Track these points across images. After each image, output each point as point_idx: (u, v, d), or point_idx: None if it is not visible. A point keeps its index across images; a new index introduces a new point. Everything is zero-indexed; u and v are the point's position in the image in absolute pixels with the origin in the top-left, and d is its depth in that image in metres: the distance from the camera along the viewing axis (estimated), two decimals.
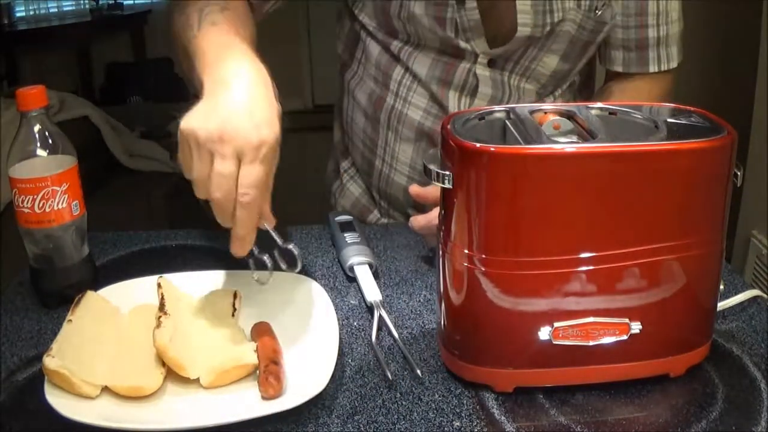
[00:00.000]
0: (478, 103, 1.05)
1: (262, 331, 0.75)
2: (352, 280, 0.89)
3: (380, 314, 0.80)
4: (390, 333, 0.78)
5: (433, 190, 0.89)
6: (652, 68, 1.06)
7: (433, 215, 0.86)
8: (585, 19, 0.99)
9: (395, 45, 1.06)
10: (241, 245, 0.72)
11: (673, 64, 1.07)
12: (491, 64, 1.03)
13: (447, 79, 1.05)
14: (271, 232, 0.75)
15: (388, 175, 1.14)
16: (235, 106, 0.71)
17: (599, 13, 0.99)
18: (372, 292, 0.84)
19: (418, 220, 0.89)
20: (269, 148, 0.70)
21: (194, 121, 0.70)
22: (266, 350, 0.71)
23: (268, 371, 0.67)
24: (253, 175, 0.69)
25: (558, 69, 1.05)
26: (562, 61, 1.04)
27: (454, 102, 1.05)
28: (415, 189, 0.91)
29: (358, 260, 0.89)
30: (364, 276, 0.87)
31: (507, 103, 1.03)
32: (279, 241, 0.76)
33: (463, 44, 1.01)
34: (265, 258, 0.77)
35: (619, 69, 1.07)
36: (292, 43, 5.18)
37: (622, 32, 1.04)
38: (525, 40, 0.99)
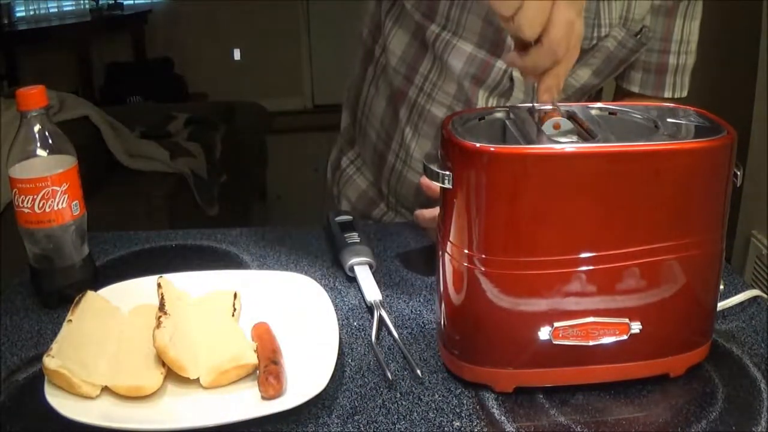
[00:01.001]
0: (509, 104, 1.01)
1: (261, 331, 0.75)
2: (352, 280, 0.89)
3: (380, 314, 0.80)
4: (390, 333, 0.78)
5: None
6: (667, 94, 1.06)
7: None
8: (626, 38, 0.99)
9: (431, 30, 0.99)
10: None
11: (684, 93, 1.07)
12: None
13: (481, 77, 1.00)
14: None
15: (400, 171, 1.11)
16: None
17: (643, 32, 0.99)
18: (372, 292, 0.84)
19: (423, 215, 0.88)
20: None
21: None
22: (266, 350, 0.71)
23: (267, 371, 0.67)
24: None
25: (588, 83, 1.04)
26: (594, 75, 1.03)
27: (483, 101, 1.02)
28: (425, 180, 0.89)
29: (358, 260, 0.89)
30: (364, 276, 0.87)
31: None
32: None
33: (510, 40, 0.94)
34: None
35: (635, 89, 1.07)
36: (292, 43, 5.19)
37: (645, 54, 1.04)
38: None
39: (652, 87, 1.06)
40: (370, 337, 0.78)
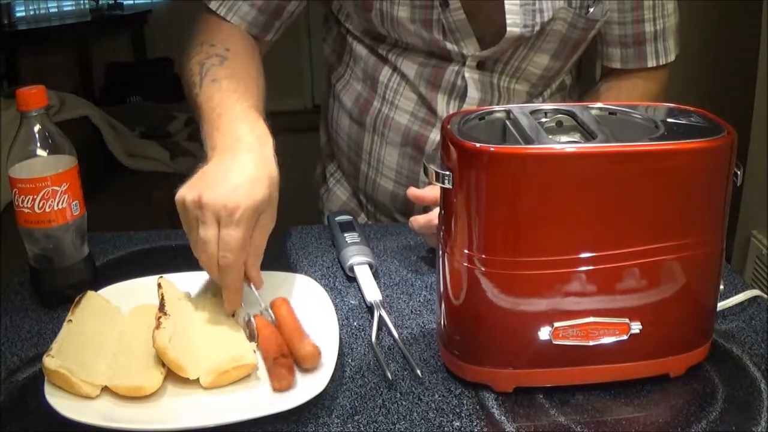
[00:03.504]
0: (467, 107, 1.03)
1: (264, 325, 0.76)
2: (352, 280, 0.89)
3: (380, 314, 0.80)
4: (390, 333, 0.78)
5: (432, 191, 0.89)
6: (651, 63, 1.05)
7: (434, 215, 0.86)
8: (576, 18, 0.98)
9: (383, 48, 1.05)
10: (228, 303, 0.76)
11: (671, 58, 1.06)
12: (480, 66, 1.02)
13: (436, 82, 1.03)
14: (255, 293, 0.78)
15: (374, 179, 1.13)
16: (217, 172, 0.76)
17: (591, 10, 0.99)
18: (372, 292, 0.84)
19: (417, 220, 0.89)
20: (245, 210, 0.72)
21: (182, 190, 0.76)
22: (271, 344, 0.72)
23: (278, 364, 0.68)
24: (231, 238, 0.72)
25: (549, 67, 1.04)
26: (552, 59, 1.03)
27: (443, 106, 1.04)
28: (412, 192, 0.91)
29: (358, 260, 0.89)
30: (364, 276, 0.87)
31: (495, 105, 1.02)
32: (261, 304, 0.78)
33: (450, 46, 1.00)
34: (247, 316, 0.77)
35: (617, 65, 1.07)
36: (292, 43, 5.18)
37: (618, 28, 1.03)
38: (514, 40, 0.98)
39: (633, 60, 1.06)
40: (370, 337, 0.78)
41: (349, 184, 1.21)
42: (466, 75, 1.02)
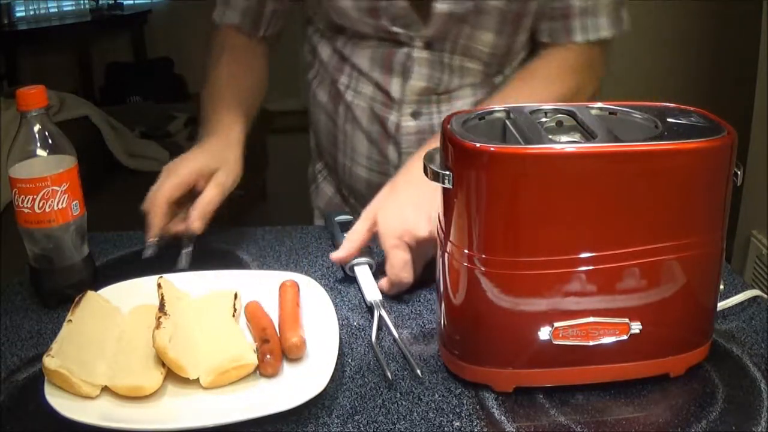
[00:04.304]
0: (415, 83, 1.06)
1: (252, 309, 0.78)
2: (352, 280, 0.89)
3: (380, 314, 0.80)
4: (390, 333, 0.78)
5: (350, 245, 0.89)
6: (579, 37, 1.03)
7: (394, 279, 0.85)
8: None
9: (341, 41, 1.10)
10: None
11: (604, 34, 1.03)
12: (428, 46, 1.05)
13: (389, 66, 1.07)
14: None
15: (350, 168, 1.16)
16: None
17: None
18: (372, 292, 0.84)
19: (383, 285, 0.87)
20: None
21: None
22: (257, 330, 0.74)
23: (261, 351, 0.70)
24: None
25: (495, 44, 1.04)
26: (497, 36, 1.04)
27: (397, 88, 1.08)
28: (336, 256, 0.90)
29: (358, 260, 0.89)
30: (364, 276, 0.87)
31: (450, 83, 1.06)
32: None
33: (397, 30, 1.03)
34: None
35: (546, 39, 1.05)
36: (292, 43, 5.18)
37: (547, 1, 1.02)
38: (447, 17, 1.00)
39: (561, 34, 1.04)
40: (370, 337, 0.78)
41: (333, 179, 1.25)
42: (415, 55, 1.05)
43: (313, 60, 1.19)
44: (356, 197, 1.19)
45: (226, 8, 1.13)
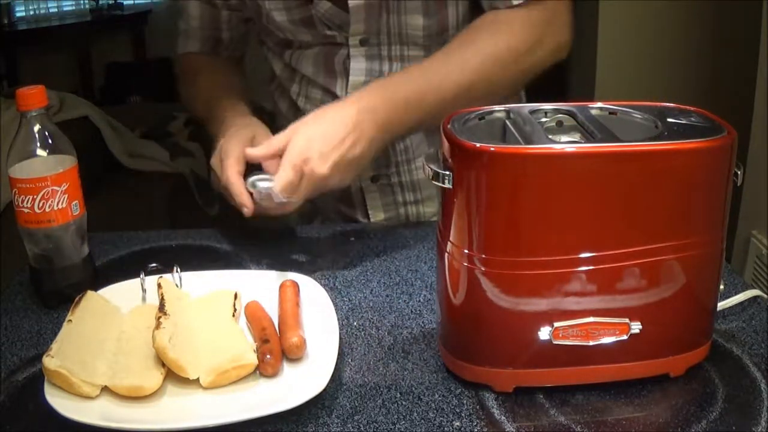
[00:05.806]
0: (355, 79, 1.08)
1: (252, 310, 0.78)
2: (353, 280, 0.89)
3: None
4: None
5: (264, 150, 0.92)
6: (516, 0, 0.99)
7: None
8: None
9: (288, 54, 1.14)
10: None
11: None
12: (365, 42, 1.06)
13: (331, 69, 1.10)
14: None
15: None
16: None
17: None
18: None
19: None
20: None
21: None
22: (257, 330, 0.74)
23: (261, 351, 0.70)
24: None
25: (427, 26, 1.04)
26: (426, 18, 1.03)
27: (341, 88, 1.09)
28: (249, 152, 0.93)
29: (261, 177, 0.90)
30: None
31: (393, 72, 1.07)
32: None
33: (330, 33, 1.05)
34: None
35: (485, 4, 1.02)
36: None
37: None
38: (364, 9, 1.01)
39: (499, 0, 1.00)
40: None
41: None
42: (353, 53, 1.07)
43: (272, 75, 1.23)
44: (324, 202, 1.19)
45: (187, 39, 1.23)
